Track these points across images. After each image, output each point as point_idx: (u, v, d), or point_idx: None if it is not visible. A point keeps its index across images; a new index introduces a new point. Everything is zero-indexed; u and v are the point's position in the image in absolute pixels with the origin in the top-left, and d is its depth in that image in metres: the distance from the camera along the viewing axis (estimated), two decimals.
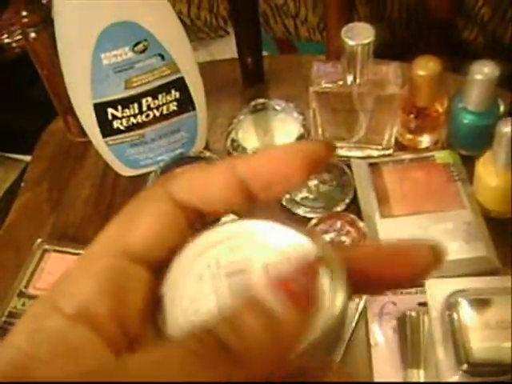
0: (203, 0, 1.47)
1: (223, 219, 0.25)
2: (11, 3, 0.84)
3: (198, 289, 0.24)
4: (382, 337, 0.65)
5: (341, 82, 0.71)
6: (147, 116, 0.74)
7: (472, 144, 0.76)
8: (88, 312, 0.23)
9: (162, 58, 0.69)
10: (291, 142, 0.30)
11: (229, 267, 0.24)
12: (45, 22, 0.75)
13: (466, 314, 0.62)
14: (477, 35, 1.21)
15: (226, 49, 0.95)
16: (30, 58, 0.82)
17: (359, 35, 0.66)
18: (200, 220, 0.26)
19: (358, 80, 0.70)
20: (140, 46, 0.67)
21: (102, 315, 0.23)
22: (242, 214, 0.25)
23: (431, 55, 0.73)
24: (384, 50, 1.18)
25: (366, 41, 0.66)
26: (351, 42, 0.66)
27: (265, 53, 0.91)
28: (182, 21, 1.50)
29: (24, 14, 0.73)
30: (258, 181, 0.24)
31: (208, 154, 0.79)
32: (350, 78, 0.70)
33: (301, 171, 0.24)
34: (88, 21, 0.65)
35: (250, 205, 0.25)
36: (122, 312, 0.23)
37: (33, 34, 0.75)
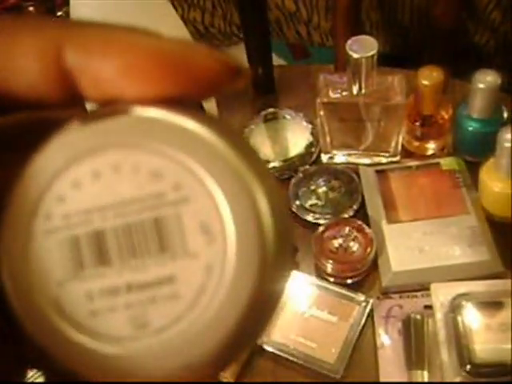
0: (217, 8, 1.50)
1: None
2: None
3: None
4: (388, 339, 0.67)
5: (347, 93, 0.73)
6: None
7: (477, 150, 0.78)
8: None
9: None
10: (157, 36, 0.16)
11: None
12: None
13: (470, 316, 0.65)
14: (488, 39, 1.23)
15: (242, 55, 0.98)
16: None
17: (363, 48, 0.68)
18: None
19: (363, 91, 0.72)
20: None
21: None
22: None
23: (435, 64, 0.75)
24: (397, 53, 1.20)
25: (370, 53, 0.68)
26: (355, 55, 0.68)
27: (278, 59, 0.93)
28: (196, 28, 1.53)
29: None
30: (86, 80, 0.16)
31: None
32: (355, 89, 0.72)
33: (158, 85, 0.16)
34: None
35: (71, 103, 0.17)
36: None
37: None
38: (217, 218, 0.16)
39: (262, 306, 0.16)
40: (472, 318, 0.64)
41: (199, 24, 1.51)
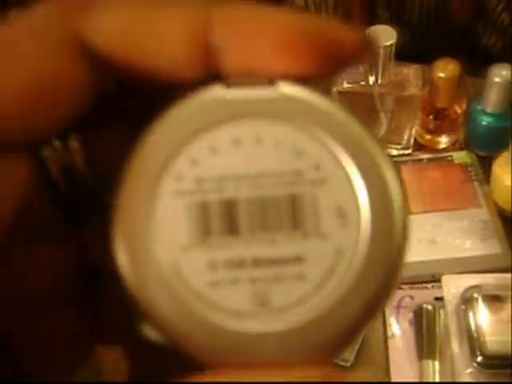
0: None
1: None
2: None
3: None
4: (398, 329, 0.67)
5: (362, 83, 0.73)
6: None
7: (489, 145, 0.78)
8: None
9: None
10: (301, 14, 0.15)
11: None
12: None
13: (481, 308, 0.64)
14: (497, 40, 1.23)
15: None
16: None
17: (381, 37, 0.68)
18: (110, 84, 0.16)
19: (379, 81, 0.72)
20: None
21: None
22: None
23: (451, 58, 0.75)
24: (405, 53, 1.21)
25: (388, 43, 0.68)
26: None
27: None
28: None
29: None
30: (234, 57, 0.15)
31: None
32: (371, 79, 0.72)
33: (305, 62, 0.15)
34: None
35: (203, 80, 0.16)
36: None
37: None
38: (353, 203, 0.15)
39: (386, 292, 0.15)
40: (483, 310, 0.64)
41: None
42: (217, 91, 0.16)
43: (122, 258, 0.15)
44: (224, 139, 0.15)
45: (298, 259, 0.15)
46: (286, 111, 0.16)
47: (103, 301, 0.19)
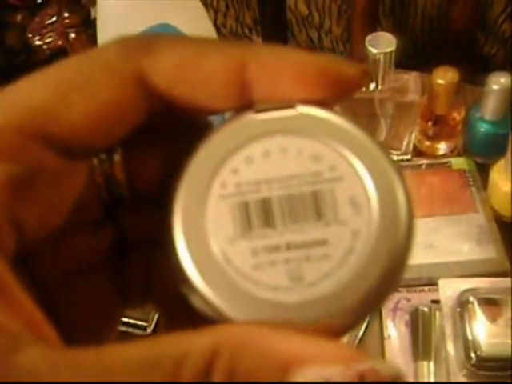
0: (230, 9, 1.51)
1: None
2: (52, 5, 0.89)
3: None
4: (394, 331, 0.68)
5: (363, 88, 0.75)
6: None
7: (487, 152, 0.79)
8: None
9: None
10: (314, 55, 0.20)
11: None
12: (84, 23, 0.80)
13: (476, 311, 0.65)
14: (497, 50, 1.24)
15: None
16: (58, 60, 0.87)
17: (382, 44, 0.70)
18: (162, 112, 0.20)
19: (379, 86, 0.74)
20: None
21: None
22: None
23: (450, 65, 0.77)
24: (406, 61, 1.22)
25: (389, 49, 0.70)
26: (374, 50, 0.70)
27: None
28: None
29: (66, 15, 0.78)
30: (263, 89, 0.19)
31: None
32: (372, 85, 0.74)
33: (319, 91, 0.19)
34: (127, 24, 0.69)
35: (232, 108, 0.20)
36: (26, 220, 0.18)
37: (73, 35, 0.80)
38: (364, 195, 0.19)
39: (397, 264, 0.18)
40: (478, 313, 0.65)
41: None
42: (249, 116, 0.19)
43: (180, 249, 0.19)
44: (256, 151, 0.19)
45: (323, 242, 0.18)
46: (304, 127, 0.19)
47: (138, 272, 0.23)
